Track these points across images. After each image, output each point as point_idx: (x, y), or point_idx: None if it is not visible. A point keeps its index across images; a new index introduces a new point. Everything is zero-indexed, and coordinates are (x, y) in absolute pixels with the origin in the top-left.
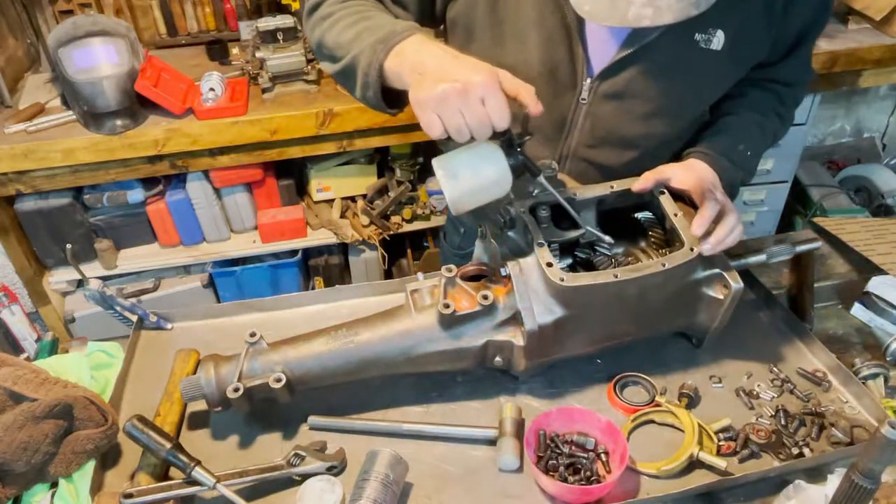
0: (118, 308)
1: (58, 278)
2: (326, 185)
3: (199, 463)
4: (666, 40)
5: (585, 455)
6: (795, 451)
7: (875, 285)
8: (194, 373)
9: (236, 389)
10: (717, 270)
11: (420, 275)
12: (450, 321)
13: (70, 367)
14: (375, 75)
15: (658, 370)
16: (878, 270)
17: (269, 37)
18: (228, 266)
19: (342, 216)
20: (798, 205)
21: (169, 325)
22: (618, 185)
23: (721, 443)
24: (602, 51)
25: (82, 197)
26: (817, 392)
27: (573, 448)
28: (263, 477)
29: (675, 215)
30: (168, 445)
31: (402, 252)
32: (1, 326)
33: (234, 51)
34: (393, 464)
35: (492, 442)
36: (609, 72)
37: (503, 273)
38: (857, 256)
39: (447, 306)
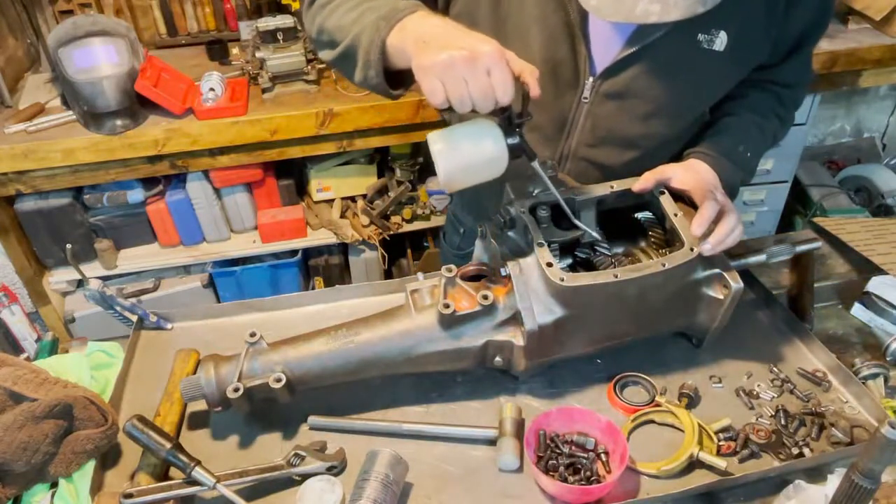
0: (118, 308)
1: (58, 278)
2: (326, 185)
3: (199, 463)
4: (669, 40)
5: (585, 455)
6: (795, 451)
7: (875, 285)
8: (194, 373)
9: (236, 389)
10: (717, 270)
11: (420, 275)
12: (450, 321)
13: (70, 367)
14: (377, 53)
15: (658, 370)
16: (878, 270)
17: (269, 37)
18: (228, 266)
19: (342, 216)
20: (798, 205)
21: (169, 325)
22: (618, 185)
23: (721, 443)
24: (605, 50)
25: (82, 197)
26: (817, 392)
27: (573, 448)
28: (263, 477)
29: (675, 215)
30: (168, 445)
31: (402, 252)
32: (1, 326)
33: (234, 51)
34: (393, 464)
35: (492, 442)
36: (611, 71)
37: (503, 273)
38: (857, 256)
39: (447, 306)
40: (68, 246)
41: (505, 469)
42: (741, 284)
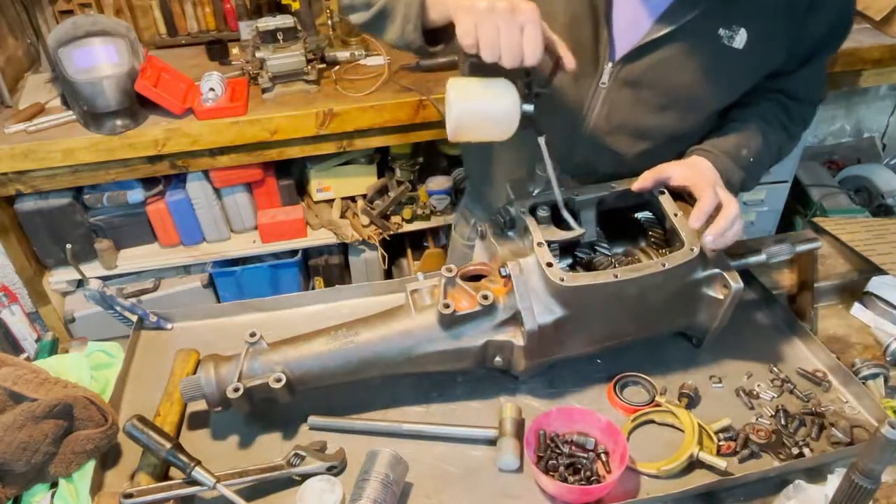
0: (118, 308)
1: (58, 278)
2: (326, 185)
3: (199, 463)
4: (690, 31)
5: (585, 455)
6: (795, 451)
7: (875, 285)
8: (194, 373)
9: (236, 389)
10: (717, 270)
11: (420, 275)
12: (450, 321)
13: (70, 367)
14: (418, 6)
15: (658, 370)
16: (878, 270)
17: (269, 37)
18: (228, 266)
19: (342, 216)
20: (798, 205)
21: (169, 325)
22: (618, 185)
23: (721, 443)
24: (626, 36)
25: (82, 197)
26: (817, 392)
27: (573, 448)
28: (263, 477)
29: (675, 215)
30: (168, 445)
31: (402, 252)
32: (1, 326)
33: (234, 51)
34: (393, 464)
35: (492, 442)
36: (630, 57)
37: (503, 273)
38: (857, 256)
39: (447, 306)
40: (68, 246)
41: (505, 469)
42: (741, 284)
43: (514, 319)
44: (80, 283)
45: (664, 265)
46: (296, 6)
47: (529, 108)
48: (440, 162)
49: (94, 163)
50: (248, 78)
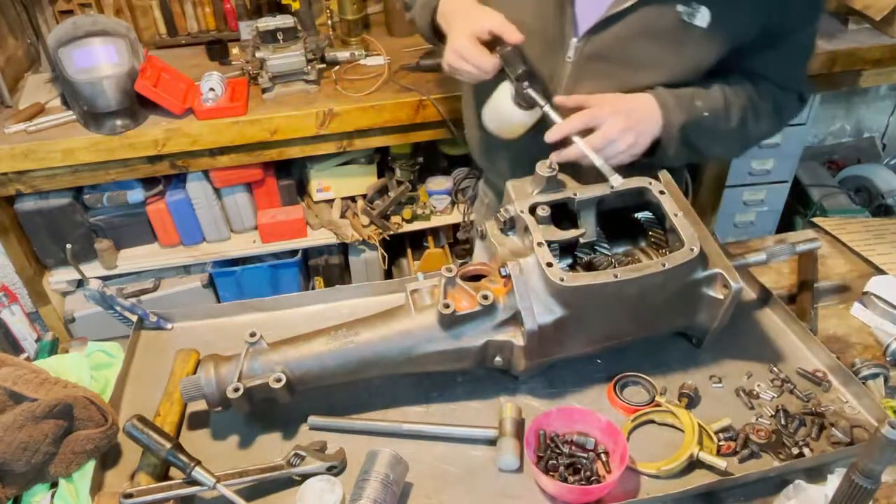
0: (118, 308)
1: (58, 278)
2: (326, 185)
3: (199, 463)
4: (648, 7)
5: (585, 455)
6: (795, 451)
7: (875, 285)
8: (194, 373)
9: (236, 389)
10: (717, 270)
11: (420, 275)
12: (450, 321)
13: (70, 367)
14: (430, 33)
15: (658, 370)
16: (878, 270)
17: (269, 37)
18: (228, 266)
19: (342, 216)
20: (798, 205)
21: (169, 325)
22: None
23: (721, 443)
24: (589, 12)
25: (82, 197)
26: (817, 392)
27: (573, 448)
28: (263, 477)
29: (676, 215)
30: (168, 445)
31: (402, 252)
32: (1, 326)
33: (234, 51)
34: (393, 464)
35: (492, 442)
36: (593, 31)
37: (503, 273)
38: (857, 256)
39: (447, 306)
40: (68, 246)
41: (505, 469)
42: (741, 284)
43: (514, 319)
44: (80, 283)
45: (664, 265)
46: (296, 6)
47: (521, 95)
48: (440, 162)
49: (94, 163)
50: (248, 78)
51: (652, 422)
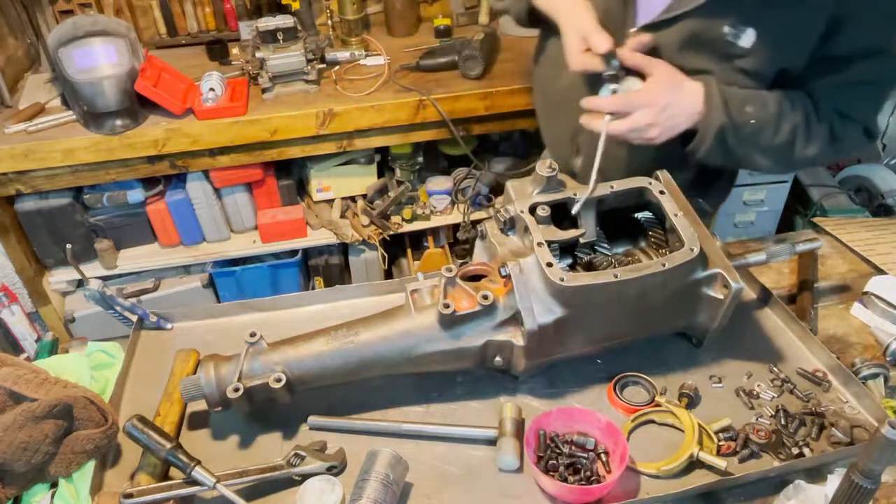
0: (118, 308)
1: (58, 278)
2: (326, 185)
3: (199, 463)
4: (697, 20)
5: (585, 455)
6: (795, 451)
7: (875, 285)
8: (194, 373)
9: (236, 389)
10: (717, 270)
11: (420, 275)
12: (450, 321)
13: (70, 367)
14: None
15: (658, 370)
16: (878, 270)
17: (269, 37)
18: (228, 266)
19: (342, 216)
20: (798, 205)
21: (169, 325)
22: (618, 185)
23: (721, 443)
24: (648, 10)
25: (82, 197)
26: (817, 392)
27: (573, 448)
28: (263, 477)
29: (676, 215)
30: (168, 445)
31: (402, 252)
32: (1, 326)
33: (234, 51)
34: (393, 464)
35: (492, 442)
36: (647, 29)
37: (503, 273)
38: (857, 256)
39: (447, 306)
40: (68, 246)
41: (505, 469)
42: (741, 284)
43: (514, 319)
44: (80, 283)
45: (664, 265)
46: (296, 6)
47: (615, 88)
48: (440, 162)
49: (94, 163)
50: (248, 78)
51: (652, 422)
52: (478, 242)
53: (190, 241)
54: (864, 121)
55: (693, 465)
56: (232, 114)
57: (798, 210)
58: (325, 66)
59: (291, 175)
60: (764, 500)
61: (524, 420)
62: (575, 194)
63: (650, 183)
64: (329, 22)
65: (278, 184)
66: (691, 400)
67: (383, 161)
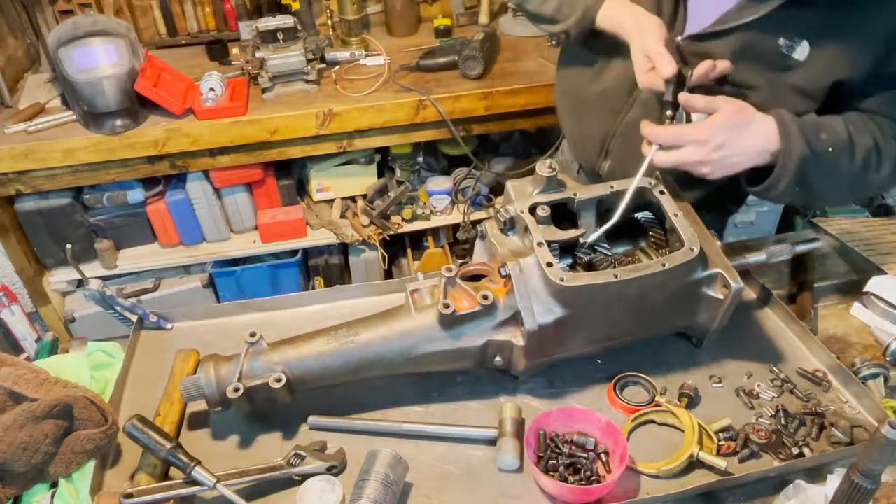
0: (118, 308)
1: (58, 278)
2: (326, 185)
3: (199, 463)
4: (751, 33)
5: (585, 455)
6: (795, 451)
7: (875, 285)
8: (194, 373)
9: (236, 389)
10: (717, 270)
11: (420, 275)
12: (450, 321)
13: (70, 367)
14: (588, 25)
15: (658, 370)
16: (878, 270)
17: (269, 37)
18: (228, 266)
19: (342, 216)
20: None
21: (169, 325)
22: (618, 185)
23: (721, 443)
24: (700, 17)
25: (82, 197)
26: (817, 392)
27: (573, 448)
28: (263, 477)
29: (676, 215)
30: (168, 445)
31: (402, 252)
32: (1, 326)
33: (234, 51)
34: (393, 464)
35: (492, 442)
36: (697, 38)
37: (503, 273)
38: (857, 256)
39: (447, 306)
40: (68, 246)
41: (505, 469)
42: (741, 284)
43: (514, 319)
44: (80, 283)
45: (664, 265)
46: (296, 6)
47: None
48: (440, 162)
49: (94, 163)
50: (248, 78)
51: (652, 422)
52: (478, 242)
53: (190, 241)
54: None
55: (693, 465)
56: (232, 114)
57: (798, 210)
58: (325, 66)
59: (291, 175)
60: (764, 500)
61: (524, 420)
62: (575, 194)
63: (650, 183)
64: (329, 22)
65: (278, 184)
66: (691, 400)
67: (383, 161)
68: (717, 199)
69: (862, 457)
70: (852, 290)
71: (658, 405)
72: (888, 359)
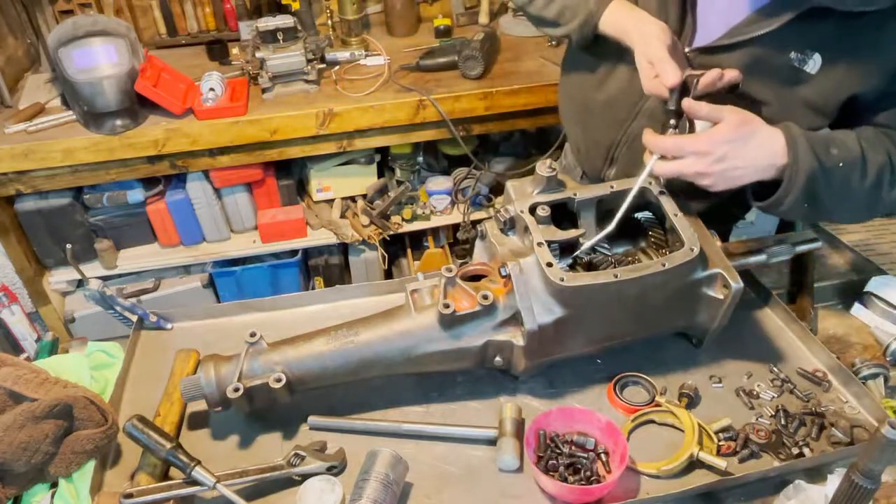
0: (118, 308)
1: (58, 278)
2: (326, 185)
3: (199, 463)
4: (762, 46)
5: (585, 455)
6: (795, 451)
7: (875, 285)
8: (194, 373)
9: (236, 389)
10: (717, 270)
11: (420, 275)
12: (450, 321)
13: (70, 367)
14: (591, 30)
15: (658, 370)
16: (878, 270)
17: (269, 37)
18: (228, 266)
19: (342, 216)
20: None
21: (169, 325)
22: (618, 186)
23: (721, 443)
24: (708, 29)
25: (82, 197)
26: (817, 392)
27: (573, 448)
28: (263, 477)
29: (675, 215)
30: (168, 445)
31: (402, 252)
32: (1, 326)
33: (234, 51)
34: (393, 464)
35: (492, 442)
36: (705, 51)
37: (503, 273)
38: (857, 256)
39: (447, 306)
40: (68, 246)
41: (505, 469)
42: (741, 284)
43: (514, 319)
44: (80, 283)
45: (664, 265)
46: (296, 6)
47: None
48: (440, 162)
49: (94, 163)
50: (248, 78)
51: (652, 422)
52: (478, 242)
53: (190, 241)
54: None
55: (693, 465)
56: (232, 114)
57: None
58: (325, 66)
59: (291, 175)
60: (764, 500)
61: (524, 420)
62: (575, 194)
63: (650, 183)
64: (329, 22)
65: (278, 184)
66: (691, 400)
67: (383, 161)
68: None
69: (862, 457)
70: (852, 290)
71: (658, 405)
72: (888, 359)
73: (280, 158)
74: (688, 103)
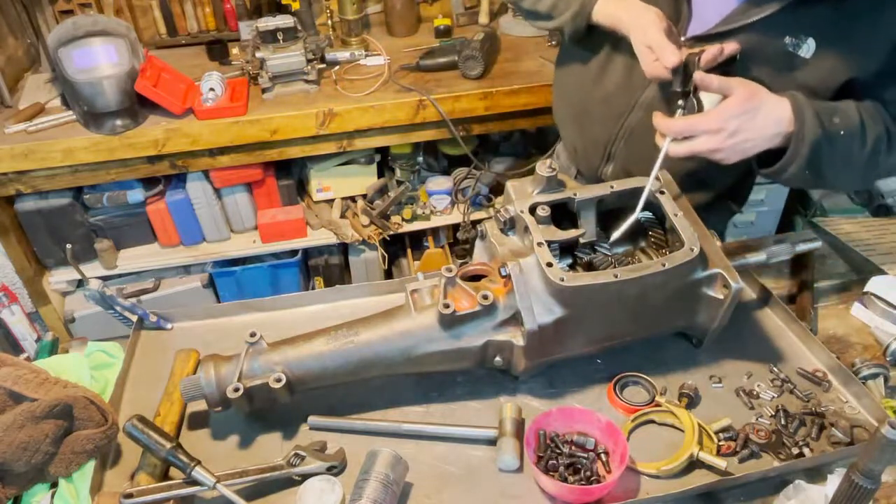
0: (118, 308)
1: (58, 278)
2: (326, 185)
3: (199, 463)
4: (757, 33)
5: (585, 455)
6: (795, 451)
7: (875, 285)
8: (194, 373)
9: (236, 389)
10: (717, 270)
11: (420, 275)
12: (450, 321)
13: (70, 367)
14: (584, 22)
15: (658, 370)
16: (878, 270)
17: (269, 37)
18: (228, 266)
19: (342, 216)
20: (798, 205)
21: (169, 325)
22: (618, 186)
23: (721, 443)
24: (704, 17)
25: (82, 197)
26: (817, 392)
27: (573, 448)
28: (263, 477)
29: (675, 215)
30: (168, 445)
31: (402, 252)
32: (1, 326)
33: (234, 51)
34: (393, 464)
35: (492, 442)
36: (701, 40)
37: (503, 273)
38: (857, 256)
39: (447, 306)
40: (68, 246)
41: (505, 469)
42: (741, 284)
43: (514, 319)
44: (80, 283)
45: (664, 265)
46: (296, 6)
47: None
48: (440, 162)
49: (94, 163)
50: (248, 78)
51: (652, 422)
52: (478, 242)
53: (190, 241)
54: None
55: (693, 465)
56: (232, 114)
57: (798, 210)
58: (325, 66)
59: (291, 175)
60: (764, 500)
61: (524, 420)
62: (575, 194)
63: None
64: (329, 22)
65: (278, 184)
66: (691, 400)
67: (383, 161)
68: (720, 199)
69: (862, 457)
70: (852, 290)
71: (658, 405)
72: (888, 359)
73: (280, 158)
74: (700, 76)
